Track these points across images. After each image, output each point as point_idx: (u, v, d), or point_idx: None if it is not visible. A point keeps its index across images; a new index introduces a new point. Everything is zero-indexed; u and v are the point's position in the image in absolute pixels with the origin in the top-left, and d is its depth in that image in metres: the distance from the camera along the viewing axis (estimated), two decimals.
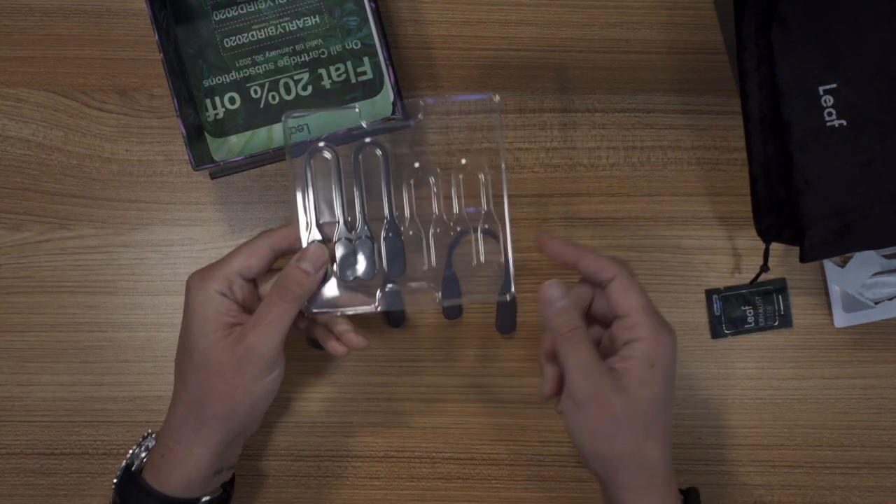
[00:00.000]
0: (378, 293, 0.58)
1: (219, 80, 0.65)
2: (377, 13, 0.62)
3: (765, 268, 0.62)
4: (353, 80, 0.65)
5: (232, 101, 0.65)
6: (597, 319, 0.58)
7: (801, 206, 0.55)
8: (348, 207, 0.58)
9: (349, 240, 0.58)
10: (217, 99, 0.65)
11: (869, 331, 0.66)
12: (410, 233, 0.60)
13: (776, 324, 0.66)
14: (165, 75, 0.61)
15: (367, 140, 0.59)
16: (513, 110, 0.67)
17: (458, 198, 0.60)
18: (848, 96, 0.54)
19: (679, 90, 0.67)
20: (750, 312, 0.66)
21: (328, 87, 0.64)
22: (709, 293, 0.66)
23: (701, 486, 0.66)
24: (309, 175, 0.58)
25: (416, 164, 0.60)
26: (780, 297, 0.66)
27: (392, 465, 0.66)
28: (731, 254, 0.67)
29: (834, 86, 0.55)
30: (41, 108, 0.67)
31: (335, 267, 0.58)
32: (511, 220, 0.57)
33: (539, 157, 0.67)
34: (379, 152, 0.59)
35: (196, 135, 0.63)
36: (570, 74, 0.67)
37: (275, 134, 0.65)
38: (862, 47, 0.54)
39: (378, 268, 0.58)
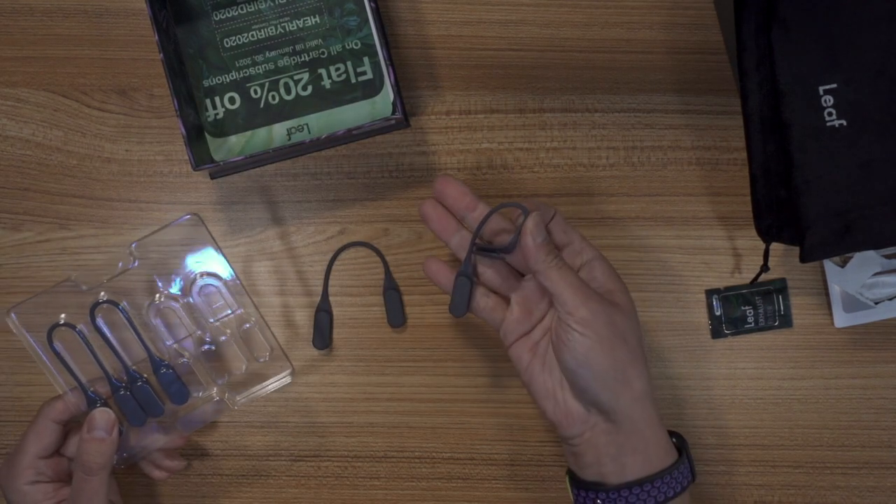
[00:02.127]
0: (176, 423, 0.63)
1: (219, 79, 0.65)
2: (377, 13, 0.62)
3: (765, 268, 0.62)
4: (353, 80, 0.65)
5: (232, 100, 0.64)
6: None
7: (801, 206, 0.55)
8: (109, 362, 0.61)
9: (124, 389, 0.61)
10: (217, 99, 0.65)
11: (869, 331, 0.66)
12: (182, 360, 0.63)
13: (776, 324, 0.66)
14: (165, 75, 0.61)
15: (101, 300, 0.61)
16: (513, 110, 0.67)
17: (203, 315, 0.63)
18: (848, 96, 0.54)
19: (679, 90, 0.67)
20: (750, 312, 0.66)
21: (328, 87, 0.64)
22: (709, 293, 0.66)
23: (701, 487, 0.66)
24: (57, 354, 0.60)
25: (148, 302, 0.63)
26: (780, 297, 0.66)
27: (392, 465, 0.66)
28: (731, 254, 0.67)
29: (834, 86, 0.55)
30: (41, 108, 0.67)
31: (125, 420, 0.61)
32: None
33: (539, 157, 0.67)
34: (117, 308, 0.61)
35: (196, 135, 0.63)
36: (570, 74, 0.67)
37: (275, 134, 0.65)
38: (862, 47, 0.54)
39: (164, 402, 0.62)
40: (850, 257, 0.65)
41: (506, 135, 0.67)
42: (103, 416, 0.58)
